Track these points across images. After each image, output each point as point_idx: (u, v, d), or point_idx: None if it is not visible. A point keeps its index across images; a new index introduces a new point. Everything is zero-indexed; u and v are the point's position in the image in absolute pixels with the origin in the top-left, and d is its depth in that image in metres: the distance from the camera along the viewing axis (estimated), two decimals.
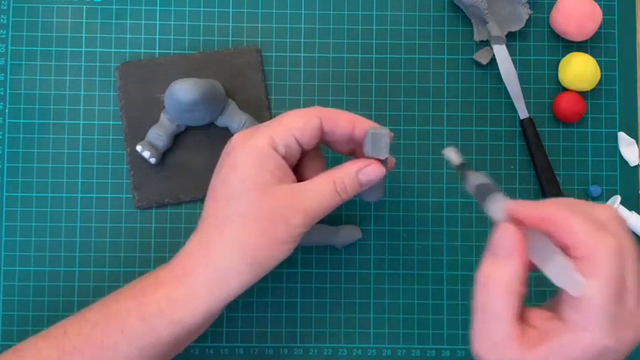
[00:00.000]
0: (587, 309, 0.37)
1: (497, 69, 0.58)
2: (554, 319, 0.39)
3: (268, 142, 0.45)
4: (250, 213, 0.44)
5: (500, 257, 0.40)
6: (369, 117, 0.57)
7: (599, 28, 0.57)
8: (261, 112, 0.57)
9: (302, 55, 0.58)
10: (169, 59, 0.57)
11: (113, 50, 0.57)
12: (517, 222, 0.40)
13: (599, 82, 0.58)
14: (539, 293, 0.56)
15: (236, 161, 0.45)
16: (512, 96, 0.57)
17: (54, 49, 0.57)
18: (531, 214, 0.39)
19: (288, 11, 0.58)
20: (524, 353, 0.38)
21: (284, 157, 0.46)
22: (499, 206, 0.41)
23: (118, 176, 0.57)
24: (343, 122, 0.47)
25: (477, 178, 0.43)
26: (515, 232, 0.39)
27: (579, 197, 0.57)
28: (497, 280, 0.39)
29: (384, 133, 0.46)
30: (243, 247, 0.44)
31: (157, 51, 0.58)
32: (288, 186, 0.45)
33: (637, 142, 0.58)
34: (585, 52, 0.58)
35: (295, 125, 0.46)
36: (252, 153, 0.45)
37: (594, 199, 0.58)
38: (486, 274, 0.40)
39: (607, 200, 0.58)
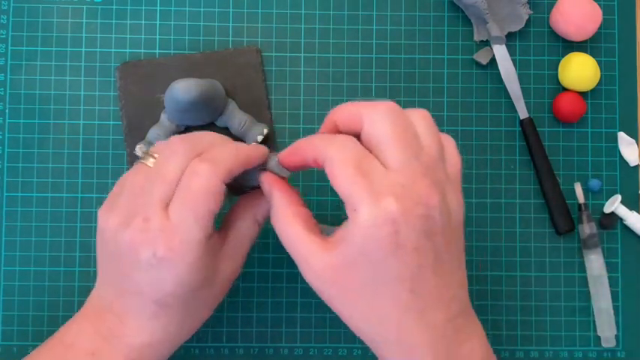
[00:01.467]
0: (349, 200, 0.39)
1: (497, 69, 0.58)
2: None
3: (204, 241, 0.43)
4: (199, 317, 0.46)
5: (269, 197, 0.44)
6: None
7: (599, 28, 0.57)
8: (261, 112, 0.57)
9: (302, 55, 0.58)
10: (169, 59, 0.57)
11: (113, 50, 0.57)
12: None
13: (599, 82, 0.58)
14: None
15: (181, 279, 0.42)
16: (512, 96, 0.57)
17: (54, 49, 0.57)
18: (290, 157, 0.44)
19: (288, 11, 0.58)
20: (325, 249, 0.40)
21: None
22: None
23: (118, 176, 0.56)
24: (255, 162, 0.46)
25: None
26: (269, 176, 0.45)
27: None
28: (279, 214, 0.43)
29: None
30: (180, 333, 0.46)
31: (157, 51, 0.58)
32: (220, 252, 0.45)
33: (637, 142, 0.58)
34: (585, 52, 0.58)
35: (213, 209, 0.43)
36: (193, 264, 0.42)
37: (594, 193, 0.58)
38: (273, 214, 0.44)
39: (607, 199, 0.58)
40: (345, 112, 0.42)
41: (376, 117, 0.40)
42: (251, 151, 0.46)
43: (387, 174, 0.39)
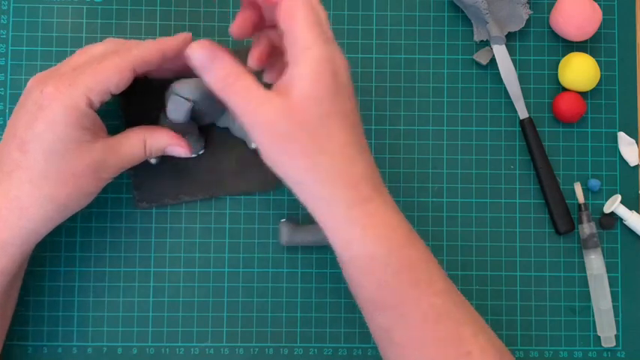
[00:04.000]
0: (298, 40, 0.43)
1: (497, 69, 0.58)
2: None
3: (86, 103, 0.46)
4: (67, 170, 0.47)
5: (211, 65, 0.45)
6: (369, 117, 0.57)
7: (599, 28, 0.57)
8: None
9: None
10: None
11: None
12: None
13: (599, 82, 0.58)
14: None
15: (54, 119, 0.46)
16: (512, 96, 0.57)
17: (54, 49, 0.57)
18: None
19: None
20: (277, 94, 0.44)
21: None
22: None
23: (118, 176, 0.57)
24: (153, 60, 0.49)
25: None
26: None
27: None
28: (229, 69, 0.45)
29: (183, 102, 0.50)
30: (57, 200, 0.47)
31: None
32: (103, 142, 0.48)
33: (637, 142, 0.58)
34: (585, 52, 0.58)
35: (112, 81, 0.47)
36: (70, 113, 0.46)
37: (594, 193, 0.58)
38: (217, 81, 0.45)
39: (607, 199, 0.58)
40: None
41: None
42: (167, 40, 0.49)
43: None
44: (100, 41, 0.51)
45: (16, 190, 0.46)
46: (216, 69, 0.45)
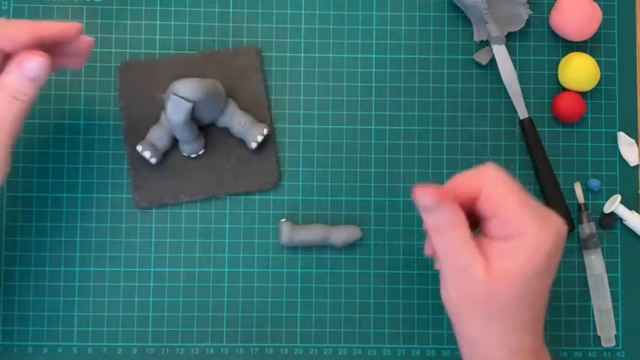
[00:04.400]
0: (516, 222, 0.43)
1: (497, 69, 0.58)
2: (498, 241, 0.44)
3: None
4: None
5: (434, 207, 0.44)
6: (369, 117, 0.57)
7: (599, 28, 0.57)
8: (261, 112, 0.57)
9: (302, 55, 0.58)
10: (169, 59, 0.57)
11: (113, 50, 0.57)
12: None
13: (599, 82, 0.58)
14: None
15: None
16: (512, 96, 0.57)
17: None
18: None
19: (288, 11, 0.58)
20: (487, 259, 0.43)
21: None
22: None
23: (118, 176, 0.57)
24: (24, 41, 0.46)
25: None
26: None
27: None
28: (446, 224, 0.44)
29: (183, 102, 0.50)
30: None
31: (157, 51, 0.58)
32: None
33: (637, 142, 0.58)
34: (585, 52, 0.58)
35: None
36: None
37: (594, 193, 0.58)
38: (435, 225, 0.44)
39: (607, 199, 0.58)
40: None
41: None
42: (46, 24, 0.47)
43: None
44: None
45: None
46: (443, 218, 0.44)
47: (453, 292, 0.44)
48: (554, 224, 0.44)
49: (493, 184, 0.44)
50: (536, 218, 0.43)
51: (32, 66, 0.46)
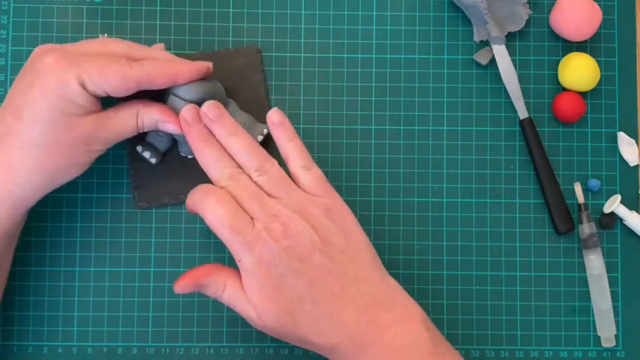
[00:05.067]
0: None
1: (497, 69, 0.58)
2: None
3: (79, 84, 0.47)
4: (55, 139, 0.47)
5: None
6: (368, 117, 0.57)
7: (599, 28, 0.57)
8: (261, 112, 0.57)
9: (302, 55, 0.58)
10: None
11: None
12: None
13: (599, 82, 0.58)
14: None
15: (47, 89, 0.46)
16: (512, 96, 0.57)
17: None
18: None
19: (288, 11, 0.58)
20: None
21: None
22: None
23: (118, 176, 0.57)
24: (160, 82, 0.49)
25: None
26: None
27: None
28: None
29: (182, 103, 0.51)
30: (44, 168, 0.48)
31: None
32: (94, 116, 0.49)
33: (637, 142, 0.58)
34: (585, 52, 0.58)
35: (111, 84, 0.48)
36: (64, 88, 0.46)
37: (594, 193, 0.58)
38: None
39: (607, 199, 0.58)
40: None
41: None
42: (183, 65, 0.50)
43: (255, 223, 0.46)
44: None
45: (5, 155, 0.47)
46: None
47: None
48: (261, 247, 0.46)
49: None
50: (246, 244, 0.46)
51: (168, 127, 0.51)
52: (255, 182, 0.48)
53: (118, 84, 0.47)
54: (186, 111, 0.49)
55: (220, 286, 0.48)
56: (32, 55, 0.49)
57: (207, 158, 0.49)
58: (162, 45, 0.54)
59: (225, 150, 0.49)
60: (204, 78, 0.53)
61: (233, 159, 0.49)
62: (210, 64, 0.52)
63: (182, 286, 0.48)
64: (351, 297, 0.46)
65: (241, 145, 0.49)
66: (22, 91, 0.47)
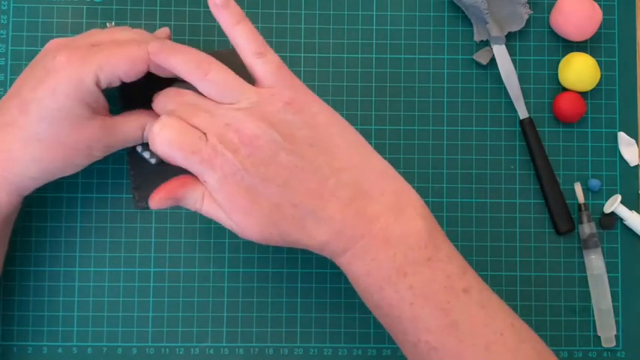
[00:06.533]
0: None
1: (497, 69, 0.58)
2: None
3: (93, 79, 0.46)
4: (58, 138, 0.47)
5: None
6: (369, 117, 0.57)
7: (599, 28, 0.57)
8: None
9: (302, 55, 0.58)
10: None
11: None
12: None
13: (599, 82, 0.58)
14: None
15: (57, 88, 0.46)
16: (512, 96, 0.57)
17: None
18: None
19: (288, 11, 0.58)
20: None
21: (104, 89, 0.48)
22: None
23: (118, 176, 0.57)
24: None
25: None
26: None
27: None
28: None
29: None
30: (43, 163, 0.47)
31: None
32: (101, 121, 0.48)
33: (637, 142, 0.58)
34: (585, 52, 0.58)
35: (123, 69, 0.46)
36: (75, 86, 0.46)
37: (594, 193, 0.58)
38: None
39: (607, 199, 0.58)
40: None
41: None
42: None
43: (207, 139, 0.43)
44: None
45: (7, 144, 0.47)
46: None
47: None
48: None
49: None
50: (204, 162, 0.44)
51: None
52: (202, 93, 0.45)
53: (129, 67, 0.46)
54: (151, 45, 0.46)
55: (198, 199, 0.45)
56: (44, 50, 0.49)
57: (159, 97, 0.47)
58: (167, 30, 0.54)
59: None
60: None
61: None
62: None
63: (157, 200, 0.46)
64: (332, 190, 0.43)
65: (178, 55, 0.45)
66: (30, 87, 0.47)
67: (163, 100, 0.46)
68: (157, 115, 0.49)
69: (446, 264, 0.44)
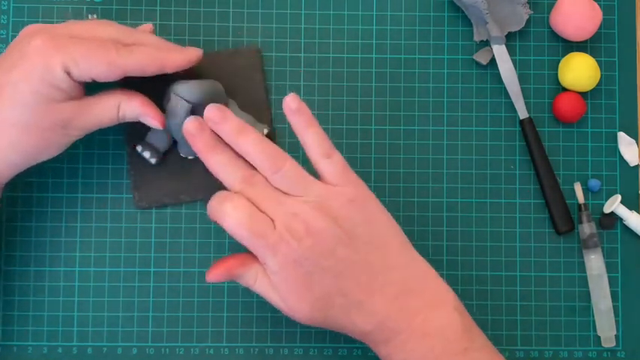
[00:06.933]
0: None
1: (497, 69, 0.58)
2: None
3: (64, 70, 0.46)
4: (33, 121, 0.47)
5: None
6: (369, 117, 0.57)
7: (599, 28, 0.57)
8: (262, 112, 0.57)
9: (302, 55, 0.58)
10: None
11: None
12: None
13: (599, 82, 0.58)
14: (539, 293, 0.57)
15: (31, 72, 0.46)
16: (512, 96, 0.57)
17: None
18: None
19: (288, 11, 0.58)
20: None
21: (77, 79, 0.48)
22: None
23: (118, 176, 0.57)
24: (148, 71, 0.49)
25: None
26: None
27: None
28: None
29: (182, 103, 0.51)
30: (20, 147, 0.48)
31: None
32: (74, 103, 0.48)
33: (637, 142, 0.58)
34: (585, 52, 0.58)
35: (98, 70, 0.47)
36: (46, 71, 0.46)
37: (594, 193, 0.58)
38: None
39: (607, 199, 0.58)
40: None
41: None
42: (173, 53, 0.50)
43: (274, 225, 0.45)
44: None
45: None
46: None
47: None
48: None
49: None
50: (269, 246, 0.46)
51: (150, 121, 0.51)
52: (270, 182, 0.47)
53: (104, 71, 0.47)
54: (190, 123, 0.48)
55: (252, 277, 0.48)
56: (20, 34, 0.49)
57: (217, 165, 0.48)
58: (150, 26, 0.54)
59: (236, 153, 0.48)
60: (199, 74, 0.53)
61: (245, 160, 0.48)
62: (200, 51, 0.51)
63: (215, 276, 0.48)
64: (380, 286, 0.46)
65: (250, 143, 0.47)
66: (4, 70, 0.47)
67: (229, 171, 0.47)
68: (131, 95, 0.50)
69: (481, 353, 0.47)
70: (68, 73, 0.47)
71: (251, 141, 0.47)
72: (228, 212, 0.45)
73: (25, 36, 0.49)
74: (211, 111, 0.48)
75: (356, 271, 0.46)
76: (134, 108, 0.50)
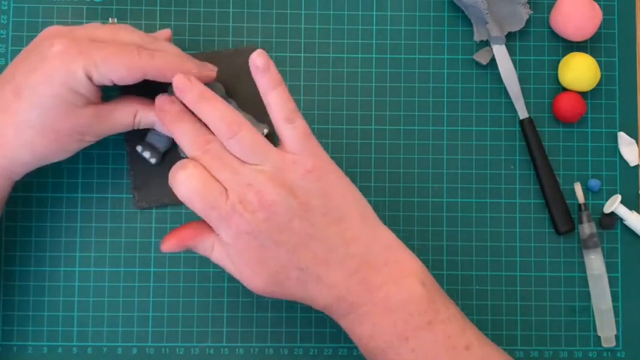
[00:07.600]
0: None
1: (497, 69, 0.58)
2: None
3: (85, 74, 0.46)
4: (51, 125, 0.47)
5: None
6: (369, 117, 0.57)
7: (599, 28, 0.57)
8: (262, 112, 0.57)
9: (302, 55, 0.58)
10: None
11: None
12: None
13: (599, 82, 0.58)
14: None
15: (52, 76, 0.46)
16: (512, 96, 0.57)
17: None
18: None
19: (288, 11, 0.58)
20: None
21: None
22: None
23: (118, 176, 0.57)
24: (168, 76, 0.48)
25: None
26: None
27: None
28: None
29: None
30: (34, 149, 0.48)
31: None
32: (93, 108, 0.48)
33: (637, 142, 0.58)
34: (585, 52, 0.58)
35: (118, 74, 0.47)
36: (68, 76, 0.46)
37: (594, 193, 0.58)
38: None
39: (607, 199, 0.58)
40: None
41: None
42: (192, 64, 0.50)
43: (227, 195, 0.44)
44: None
45: (0, 129, 0.47)
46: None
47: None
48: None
49: None
50: (222, 219, 0.45)
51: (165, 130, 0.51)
52: (226, 147, 0.46)
53: (125, 74, 0.47)
54: (159, 98, 0.48)
55: (208, 247, 0.47)
56: (40, 36, 0.49)
57: (180, 133, 0.47)
58: (168, 31, 0.54)
59: (202, 123, 0.47)
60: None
61: (207, 128, 0.47)
62: (214, 72, 0.51)
63: (169, 246, 0.47)
64: (339, 259, 0.45)
65: (210, 109, 0.46)
66: (25, 72, 0.47)
67: (189, 138, 0.46)
68: (148, 104, 0.50)
69: (446, 325, 0.46)
70: (89, 78, 0.47)
71: (211, 106, 0.46)
72: (181, 180, 0.44)
73: (44, 38, 0.48)
74: (178, 79, 0.47)
75: (312, 245, 0.45)
76: (151, 116, 0.51)
